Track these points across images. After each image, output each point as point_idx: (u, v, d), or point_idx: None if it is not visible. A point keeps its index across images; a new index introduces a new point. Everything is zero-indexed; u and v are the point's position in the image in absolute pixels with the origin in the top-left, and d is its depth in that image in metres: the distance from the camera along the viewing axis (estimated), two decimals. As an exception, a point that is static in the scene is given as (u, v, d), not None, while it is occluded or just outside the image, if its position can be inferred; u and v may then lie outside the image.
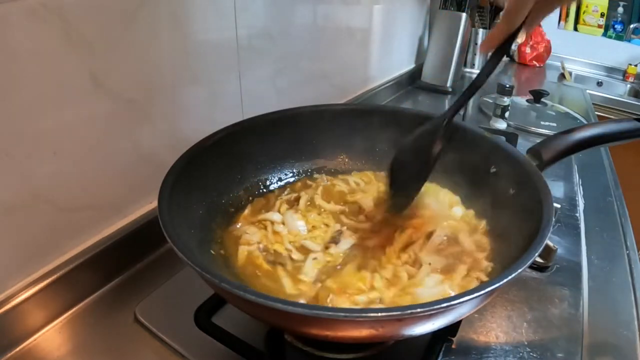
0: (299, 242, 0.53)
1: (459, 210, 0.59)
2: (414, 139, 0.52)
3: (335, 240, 0.53)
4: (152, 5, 0.55)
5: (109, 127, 0.54)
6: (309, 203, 0.60)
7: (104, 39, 0.50)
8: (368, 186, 0.64)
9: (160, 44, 0.57)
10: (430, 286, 0.46)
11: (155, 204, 0.61)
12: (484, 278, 0.47)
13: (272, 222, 0.56)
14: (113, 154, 0.56)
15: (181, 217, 0.45)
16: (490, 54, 0.48)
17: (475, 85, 0.49)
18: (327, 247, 0.52)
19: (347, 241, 0.53)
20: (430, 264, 0.49)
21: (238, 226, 0.56)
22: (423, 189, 0.54)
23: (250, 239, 0.53)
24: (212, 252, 0.50)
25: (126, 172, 0.58)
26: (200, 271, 0.35)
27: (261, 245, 0.52)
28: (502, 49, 0.47)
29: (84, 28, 0.48)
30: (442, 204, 0.60)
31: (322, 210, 0.59)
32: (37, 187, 0.48)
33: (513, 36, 0.46)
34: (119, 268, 0.58)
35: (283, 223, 0.56)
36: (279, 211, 0.58)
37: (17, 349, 0.47)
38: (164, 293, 0.55)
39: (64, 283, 0.51)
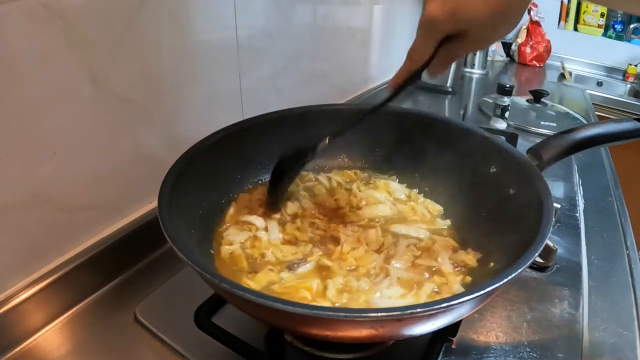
0: (269, 250, 0.52)
1: (442, 222, 0.58)
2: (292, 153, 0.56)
3: (291, 266, 0.50)
4: (153, 6, 0.55)
5: (109, 127, 0.54)
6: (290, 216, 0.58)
7: (104, 39, 0.50)
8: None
9: (160, 44, 0.57)
10: (387, 297, 0.46)
11: (155, 204, 0.61)
12: None
13: (257, 228, 0.55)
14: (113, 153, 0.56)
15: (181, 217, 0.45)
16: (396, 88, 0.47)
17: (368, 111, 0.51)
18: (281, 270, 0.50)
19: (305, 267, 0.50)
20: (398, 278, 0.48)
21: (225, 227, 0.55)
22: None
23: (233, 239, 0.53)
24: (212, 252, 0.50)
25: (126, 172, 0.58)
26: (200, 271, 0.35)
27: (245, 248, 0.52)
28: (406, 84, 0.46)
29: (84, 28, 0.48)
30: (423, 215, 0.60)
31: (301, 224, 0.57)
32: (37, 187, 0.48)
33: (417, 74, 0.45)
34: (119, 268, 0.58)
35: (266, 229, 0.55)
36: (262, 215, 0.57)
37: (17, 349, 0.47)
38: (164, 293, 0.55)
39: (64, 283, 0.51)
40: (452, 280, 0.48)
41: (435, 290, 0.47)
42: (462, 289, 0.47)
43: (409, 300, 0.45)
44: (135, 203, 0.61)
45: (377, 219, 0.58)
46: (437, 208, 0.61)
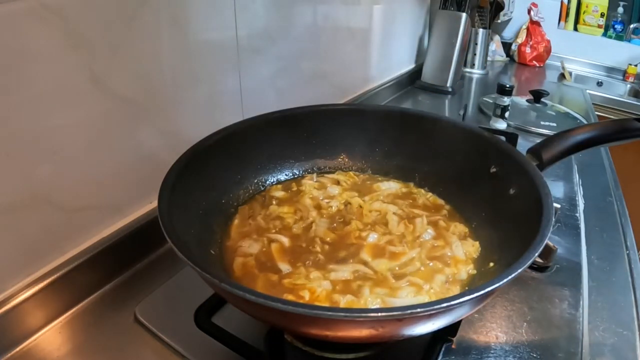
0: None
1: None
2: None
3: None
4: (153, 5, 0.55)
5: (109, 127, 0.54)
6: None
7: (104, 39, 0.50)
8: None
9: (160, 44, 0.57)
10: (403, 296, 0.46)
11: (155, 204, 0.61)
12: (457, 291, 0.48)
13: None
14: (113, 153, 0.56)
15: (181, 217, 0.45)
16: None
17: None
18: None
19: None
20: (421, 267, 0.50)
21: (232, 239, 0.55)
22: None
23: (247, 251, 0.52)
24: (212, 252, 0.50)
25: (126, 172, 0.58)
26: (200, 271, 0.35)
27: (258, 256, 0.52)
28: None
29: (84, 28, 0.48)
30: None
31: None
32: (37, 187, 0.48)
33: None
34: (119, 268, 0.58)
35: None
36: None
37: (17, 349, 0.47)
38: (164, 293, 0.55)
39: (64, 283, 0.51)
40: (460, 268, 0.50)
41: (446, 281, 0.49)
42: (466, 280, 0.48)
43: (422, 298, 0.47)
44: (135, 203, 0.61)
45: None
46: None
